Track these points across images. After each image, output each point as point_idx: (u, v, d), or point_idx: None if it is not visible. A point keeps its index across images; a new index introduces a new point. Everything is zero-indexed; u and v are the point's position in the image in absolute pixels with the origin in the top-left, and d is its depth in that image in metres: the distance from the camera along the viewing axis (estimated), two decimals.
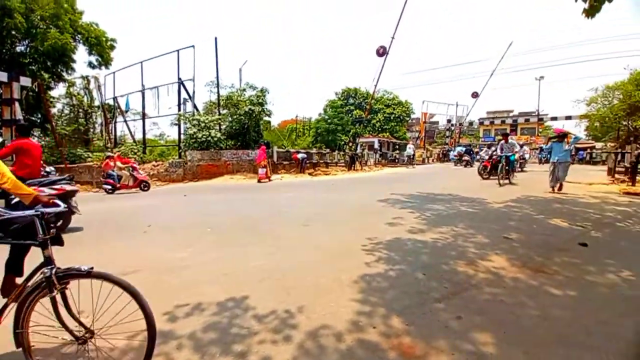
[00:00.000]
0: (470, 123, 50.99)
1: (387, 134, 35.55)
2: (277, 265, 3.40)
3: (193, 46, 19.06)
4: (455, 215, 5.93)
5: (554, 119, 36.23)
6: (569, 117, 33.57)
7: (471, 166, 19.99)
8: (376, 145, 28.67)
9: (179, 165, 16.31)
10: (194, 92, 20.10)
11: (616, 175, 12.88)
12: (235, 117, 18.33)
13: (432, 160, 32.56)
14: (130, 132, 24.17)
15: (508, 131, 44.99)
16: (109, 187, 11.24)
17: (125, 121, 23.67)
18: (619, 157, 13.91)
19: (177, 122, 19.52)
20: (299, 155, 18.05)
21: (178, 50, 19.37)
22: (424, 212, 6.11)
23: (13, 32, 16.63)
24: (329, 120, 41.36)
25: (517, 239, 4.34)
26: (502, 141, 11.23)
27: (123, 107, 22.95)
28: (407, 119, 42.54)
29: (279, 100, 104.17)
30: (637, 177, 10.95)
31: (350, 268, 3.29)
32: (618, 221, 5.48)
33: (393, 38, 16.95)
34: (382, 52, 17.37)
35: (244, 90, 19.79)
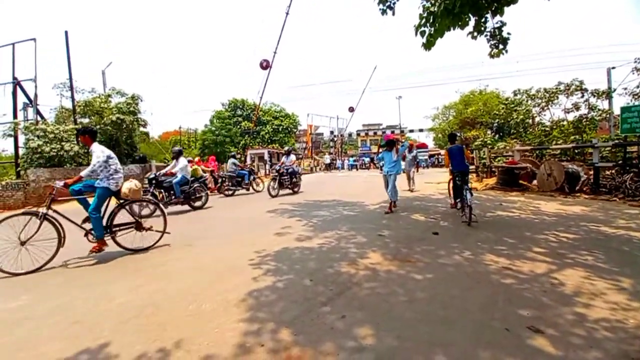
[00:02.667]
0: (350, 134, 56.74)
1: (277, 145, 36.25)
2: (148, 299, 2.91)
3: (34, 39, 15.29)
4: (339, 219, 6.39)
5: (412, 131, 44.15)
6: (421, 130, 41.43)
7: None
8: (266, 157, 28.80)
9: (18, 188, 12.61)
10: (36, 96, 15.99)
11: None
12: (99, 127, 15.49)
13: (320, 170, 34.69)
14: None
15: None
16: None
17: None
18: None
19: (11, 133, 15.09)
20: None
21: (13, 44, 15.24)
22: (311, 219, 6.37)
23: None
24: (216, 132, 39.49)
25: (388, 235, 4.94)
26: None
27: None
28: (295, 130, 44.38)
29: (160, 110, 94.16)
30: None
31: (237, 286, 3.10)
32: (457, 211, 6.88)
33: (275, 53, 17.48)
34: (265, 65, 17.65)
35: (109, 96, 16.95)
